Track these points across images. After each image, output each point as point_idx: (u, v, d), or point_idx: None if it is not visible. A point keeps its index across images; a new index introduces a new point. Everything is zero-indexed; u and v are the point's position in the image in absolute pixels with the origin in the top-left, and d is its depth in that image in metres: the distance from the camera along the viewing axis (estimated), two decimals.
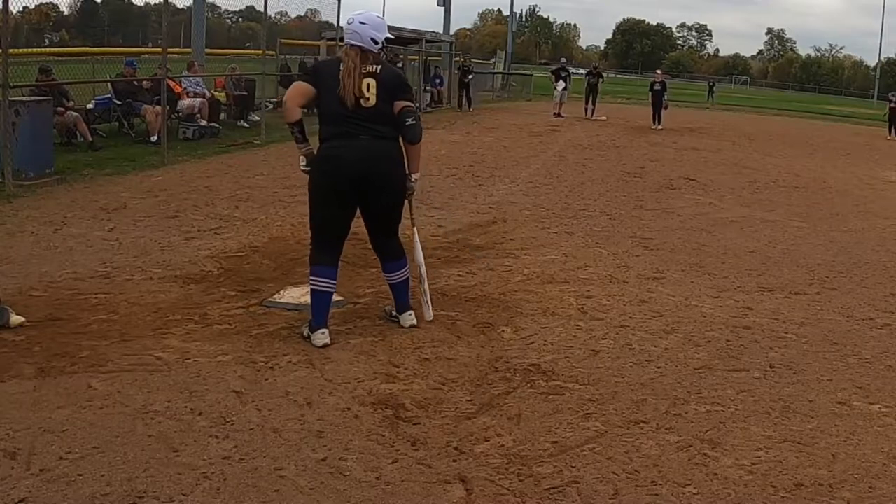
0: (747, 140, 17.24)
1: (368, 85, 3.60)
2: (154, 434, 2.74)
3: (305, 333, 3.69)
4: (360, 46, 3.63)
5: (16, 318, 3.65)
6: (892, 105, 21.04)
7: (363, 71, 3.60)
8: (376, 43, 3.65)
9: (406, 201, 3.88)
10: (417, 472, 2.61)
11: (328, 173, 3.65)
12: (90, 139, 9.68)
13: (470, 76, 20.93)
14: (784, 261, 5.94)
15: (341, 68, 3.60)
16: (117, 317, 3.87)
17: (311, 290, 3.71)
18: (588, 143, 14.37)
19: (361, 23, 3.64)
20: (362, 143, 3.62)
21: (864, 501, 2.59)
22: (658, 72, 20.71)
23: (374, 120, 3.63)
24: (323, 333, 3.63)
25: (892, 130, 20.64)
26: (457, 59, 20.68)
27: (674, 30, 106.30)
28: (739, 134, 18.89)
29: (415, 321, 3.93)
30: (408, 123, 3.70)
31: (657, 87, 18.57)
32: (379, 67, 3.65)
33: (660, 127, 18.12)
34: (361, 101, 3.59)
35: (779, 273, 5.55)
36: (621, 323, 4.21)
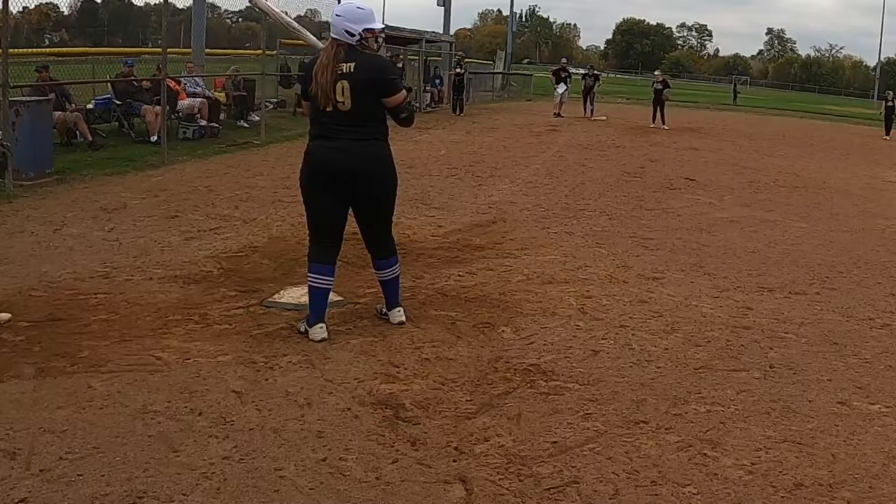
0: (747, 140, 17.24)
1: (343, 88, 3.49)
2: (154, 434, 2.74)
3: (302, 328, 3.71)
4: (336, 40, 3.55)
5: (1, 315, 3.66)
6: (889, 104, 20.94)
7: (337, 72, 3.49)
8: (352, 35, 3.52)
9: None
10: (417, 472, 2.60)
11: (314, 171, 3.64)
12: (90, 139, 9.68)
13: (459, 69, 20.17)
14: (784, 261, 5.93)
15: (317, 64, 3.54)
16: (117, 317, 3.87)
17: (309, 286, 3.72)
18: (588, 143, 14.37)
19: (337, 15, 3.56)
20: (343, 144, 3.56)
21: (864, 501, 2.59)
22: (657, 72, 21.64)
23: (354, 123, 3.54)
24: (321, 328, 3.64)
25: (888, 130, 20.53)
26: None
27: (674, 30, 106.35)
28: (739, 134, 18.88)
29: (403, 318, 3.95)
30: (401, 117, 3.71)
31: (657, 85, 19.04)
32: (353, 65, 3.50)
33: (665, 127, 18.16)
34: (338, 105, 3.52)
35: (779, 273, 5.54)
36: (621, 323, 4.21)
